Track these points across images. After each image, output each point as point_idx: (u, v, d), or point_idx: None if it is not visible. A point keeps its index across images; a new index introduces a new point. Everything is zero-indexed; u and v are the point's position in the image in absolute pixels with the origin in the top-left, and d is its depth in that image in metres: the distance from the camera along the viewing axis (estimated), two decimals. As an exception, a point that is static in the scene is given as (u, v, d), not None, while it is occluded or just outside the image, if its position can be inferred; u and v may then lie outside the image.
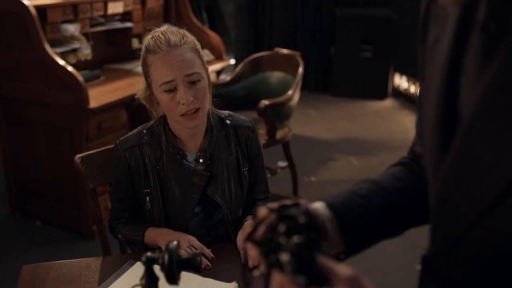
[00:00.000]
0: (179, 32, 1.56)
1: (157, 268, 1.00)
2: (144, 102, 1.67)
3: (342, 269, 0.65)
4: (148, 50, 1.55)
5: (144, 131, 1.64)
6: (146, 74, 1.57)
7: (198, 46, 1.59)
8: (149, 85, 1.59)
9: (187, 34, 1.58)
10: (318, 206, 0.88)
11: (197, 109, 1.53)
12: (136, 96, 1.67)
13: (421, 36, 0.86)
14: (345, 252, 0.89)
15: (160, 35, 1.55)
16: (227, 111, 1.72)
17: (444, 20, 0.78)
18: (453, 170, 0.71)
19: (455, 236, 0.72)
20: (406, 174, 0.97)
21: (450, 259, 0.75)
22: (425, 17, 0.85)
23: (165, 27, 1.61)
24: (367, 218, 0.90)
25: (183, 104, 1.50)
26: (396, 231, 0.95)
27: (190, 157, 1.62)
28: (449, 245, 0.73)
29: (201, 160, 1.62)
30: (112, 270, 1.46)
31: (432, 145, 0.77)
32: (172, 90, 1.52)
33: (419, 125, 0.94)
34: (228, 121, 1.68)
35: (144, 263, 1.02)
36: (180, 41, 1.53)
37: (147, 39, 1.57)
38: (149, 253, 1.01)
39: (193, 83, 1.52)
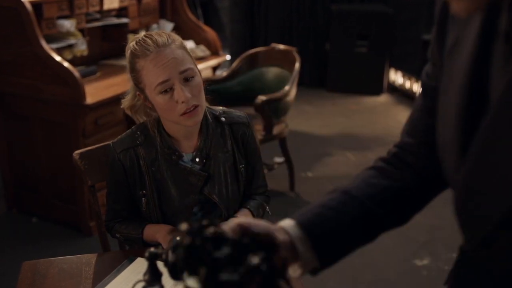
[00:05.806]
0: (163, 33, 1.55)
1: (160, 264, 1.01)
2: (128, 111, 1.63)
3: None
4: (135, 56, 1.52)
5: (138, 132, 1.62)
6: (137, 80, 1.54)
7: (185, 44, 1.58)
8: (141, 91, 1.55)
9: (172, 33, 1.56)
10: (287, 225, 0.85)
11: (196, 106, 1.52)
12: (121, 106, 1.64)
13: (437, 35, 0.85)
14: (319, 267, 0.87)
15: (145, 38, 1.52)
16: (221, 108, 1.71)
17: (465, 24, 0.77)
18: (473, 174, 0.71)
19: (485, 233, 0.71)
20: (379, 179, 0.96)
21: (485, 254, 0.74)
22: (442, 17, 0.84)
23: (144, 33, 1.59)
24: (339, 231, 0.88)
25: (182, 102, 1.49)
26: (369, 239, 0.95)
27: (186, 157, 1.61)
28: (482, 241, 0.73)
29: (197, 160, 1.60)
30: (113, 265, 1.46)
31: (451, 146, 0.77)
32: (168, 91, 1.49)
33: (420, 117, 0.94)
34: (223, 118, 1.66)
35: (147, 259, 1.02)
36: (168, 40, 1.52)
37: (131, 45, 1.54)
38: (152, 249, 1.01)
39: (187, 80, 1.51)
